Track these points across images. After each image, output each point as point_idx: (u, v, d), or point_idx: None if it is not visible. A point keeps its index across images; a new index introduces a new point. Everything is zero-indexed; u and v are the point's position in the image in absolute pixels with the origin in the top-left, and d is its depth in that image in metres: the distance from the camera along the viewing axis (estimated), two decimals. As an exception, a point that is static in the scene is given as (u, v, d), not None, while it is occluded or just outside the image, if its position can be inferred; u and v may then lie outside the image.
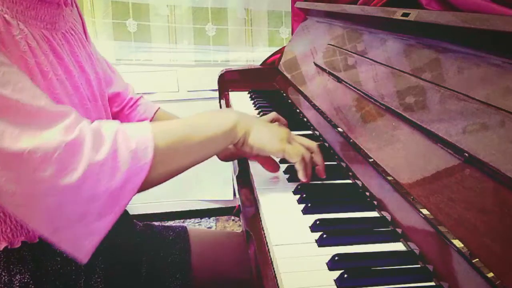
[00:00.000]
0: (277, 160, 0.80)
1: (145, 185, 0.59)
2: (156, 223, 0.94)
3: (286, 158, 0.71)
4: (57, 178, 0.52)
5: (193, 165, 0.66)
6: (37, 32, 0.63)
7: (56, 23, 0.68)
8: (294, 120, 1.10)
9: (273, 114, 0.96)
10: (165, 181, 0.63)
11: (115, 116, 0.92)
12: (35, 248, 0.64)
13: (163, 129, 0.63)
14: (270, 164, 0.77)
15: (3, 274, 0.63)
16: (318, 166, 0.74)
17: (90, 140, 0.55)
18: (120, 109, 0.94)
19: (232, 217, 2.19)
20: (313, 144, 0.75)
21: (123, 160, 0.56)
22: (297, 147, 0.71)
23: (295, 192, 0.72)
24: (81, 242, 0.55)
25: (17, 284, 0.63)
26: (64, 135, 0.54)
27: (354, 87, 0.90)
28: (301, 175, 0.71)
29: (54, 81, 0.63)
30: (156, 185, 0.62)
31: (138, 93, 1.00)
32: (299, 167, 0.71)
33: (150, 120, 0.96)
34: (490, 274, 0.42)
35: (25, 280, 0.63)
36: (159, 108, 0.99)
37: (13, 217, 0.61)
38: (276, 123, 0.84)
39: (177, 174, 0.64)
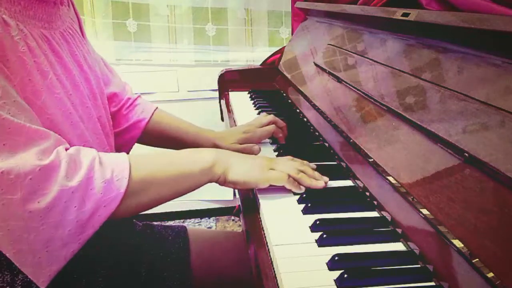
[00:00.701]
0: None
1: (115, 216, 0.59)
2: (156, 223, 0.94)
3: (274, 184, 0.71)
4: (26, 202, 0.52)
5: (168, 200, 0.66)
6: (36, 31, 0.63)
7: (54, 22, 0.68)
8: (294, 121, 1.10)
9: (269, 117, 0.96)
10: (136, 213, 0.63)
11: (113, 116, 0.92)
12: None
13: (140, 162, 0.63)
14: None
15: (6, 273, 0.63)
16: (314, 177, 0.73)
17: (65, 166, 0.55)
18: (117, 109, 0.93)
19: (232, 217, 2.19)
20: (298, 160, 0.75)
21: (96, 188, 0.56)
22: (281, 169, 0.71)
23: (295, 192, 0.72)
24: (42, 268, 0.55)
25: (19, 283, 0.63)
26: (39, 159, 0.53)
27: (354, 87, 0.90)
28: (295, 191, 0.71)
29: (54, 81, 0.63)
30: (127, 216, 0.62)
31: (136, 93, 1.00)
32: (290, 187, 0.70)
33: (148, 120, 0.95)
34: (490, 274, 0.42)
35: (28, 280, 0.63)
36: (157, 108, 0.99)
37: None
38: (254, 155, 0.84)
39: (149, 208, 0.64)
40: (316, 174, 0.74)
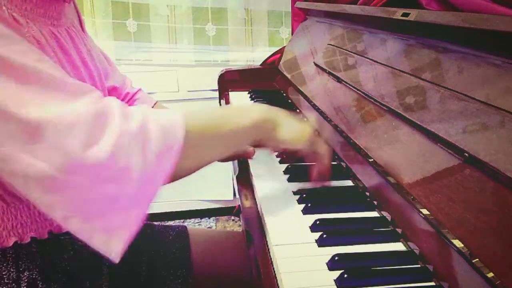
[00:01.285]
0: (277, 160, 0.80)
1: (176, 172, 0.54)
2: (156, 223, 0.94)
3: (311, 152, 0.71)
4: (86, 147, 0.47)
5: (222, 157, 0.64)
6: (46, 29, 0.63)
7: (61, 19, 0.68)
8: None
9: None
10: (194, 171, 0.60)
11: None
12: (43, 244, 0.64)
13: (194, 114, 0.60)
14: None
15: (12, 270, 0.63)
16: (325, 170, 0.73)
17: (119, 110, 0.51)
18: None
19: (232, 217, 2.19)
20: (330, 150, 0.74)
21: (154, 134, 0.52)
22: (324, 144, 0.72)
23: (295, 192, 0.72)
24: (113, 235, 0.49)
25: (25, 280, 0.63)
26: (93, 103, 0.50)
27: (354, 87, 0.90)
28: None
29: None
30: (185, 175, 0.59)
31: (135, 87, 0.99)
32: (323, 164, 0.71)
33: None
34: (490, 274, 0.42)
35: (33, 277, 0.63)
36: (156, 102, 0.98)
37: (24, 212, 0.61)
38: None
39: (205, 164, 0.61)
40: (328, 171, 0.74)
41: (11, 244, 0.61)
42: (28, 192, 0.49)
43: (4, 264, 0.62)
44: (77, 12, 0.82)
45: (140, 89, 0.98)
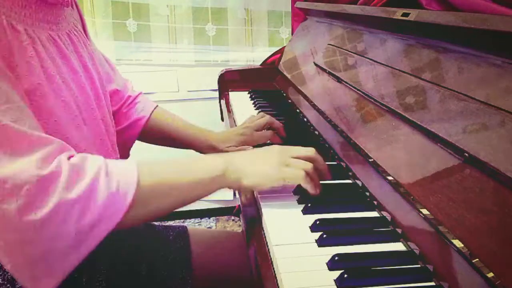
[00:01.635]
0: None
1: (121, 226, 0.56)
2: (156, 223, 0.94)
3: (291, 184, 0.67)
4: (22, 213, 0.49)
5: (177, 209, 0.63)
6: (44, 34, 0.63)
7: (60, 23, 0.69)
8: (294, 121, 1.10)
9: (266, 119, 0.96)
10: (145, 222, 0.61)
11: (113, 115, 0.92)
12: None
13: (149, 171, 0.59)
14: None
15: (6, 271, 0.63)
16: (322, 171, 0.70)
17: (66, 176, 0.52)
18: (118, 107, 0.94)
19: (232, 217, 2.19)
20: (311, 152, 0.70)
21: (99, 201, 0.53)
22: (296, 167, 0.66)
23: (295, 192, 0.72)
24: (40, 281, 0.52)
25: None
26: (38, 167, 0.51)
27: (354, 87, 0.90)
28: (311, 191, 0.66)
29: (60, 84, 0.63)
30: (134, 225, 0.60)
31: (137, 91, 1.00)
32: (306, 186, 0.66)
33: (148, 118, 0.95)
34: (490, 274, 0.42)
35: None
36: (157, 106, 0.99)
37: None
38: (271, 146, 0.75)
39: (158, 217, 0.61)
40: (326, 170, 0.70)
41: None
42: None
43: None
44: (81, 16, 0.82)
45: (141, 93, 0.99)
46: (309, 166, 0.67)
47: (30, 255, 0.50)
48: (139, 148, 1.00)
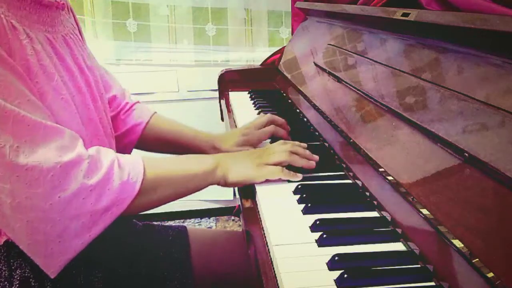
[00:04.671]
0: None
1: (126, 213, 0.63)
2: (156, 223, 0.94)
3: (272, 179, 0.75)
4: (47, 196, 0.55)
5: (174, 200, 0.71)
6: (41, 35, 0.64)
7: (56, 26, 0.69)
8: (294, 120, 1.10)
9: (267, 116, 0.96)
10: (145, 210, 0.68)
11: (112, 121, 0.92)
12: None
13: (152, 164, 0.68)
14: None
15: (4, 268, 0.63)
16: (306, 156, 0.79)
17: (86, 165, 0.59)
18: (116, 113, 0.94)
19: (232, 217, 2.19)
20: (289, 142, 0.80)
21: (113, 188, 0.61)
22: (274, 160, 0.76)
23: (295, 192, 0.72)
24: (53, 258, 0.58)
25: (18, 278, 0.63)
26: (59, 155, 0.57)
27: (354, 87, 0.90)
28: (293, 179, 0.75)
29: (59, 83, 0.64)
30: (135, 213, 0.67)
31: (134, 93, 1.00)
32: (286, 177, 0.75)
33: (146, 124, 0.96)
34: (490, 274, 0.42)
35: (26, 275, 0.63)
36: (155, 112, 0.99)
37: None
38: (247, 149, 0.90)
39: (156, 206, 0.69)
40: (307, 153, 0.79)
41: (2, 242, 0.61)
42: None
43: None
44: (77, 23, 0.83)
45: (138, 102, 0.99)
46: (285, 155, 0.76)
47: (49, 233, 0.57)
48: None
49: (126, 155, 0.67)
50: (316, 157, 0.79)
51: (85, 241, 0.60)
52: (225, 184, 0.75)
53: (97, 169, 0.60)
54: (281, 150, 0.78)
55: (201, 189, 0.73)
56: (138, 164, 0.65)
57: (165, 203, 0.70)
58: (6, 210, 0.56)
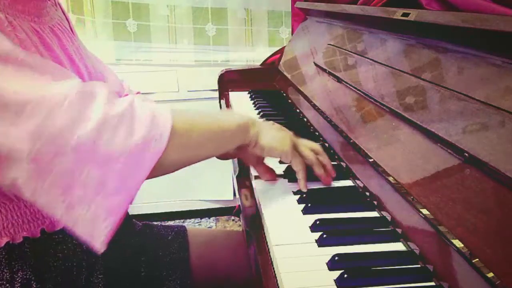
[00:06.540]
0: (277, 160, 0.80)
1: (160, 167, 0.54)
2: (155, 223, 0.94)
3: (291, 163, 0.72)
4: (70, 128, 0.47)
5: (207, 157, 0.64)
6: (26, 24, 0.62)
7: (42, 17, 0.68)
8: (294, 120, 1.10)
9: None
10: (179, 167, 0.60)
11: None
12: (36, 243, 0.64)
13: (181, 112, 0.61)
14: (268, 172, 0.77)
15: (5, 271, 0.63)
16: (326, 167, 0.75)
17: (105, 94, 0.52)
18: None
19: (232, 217, 2.19)
20: (318, 146, 0.77)
21: (142, 120, 0.52)
22: (305, 154, 0.73)
23: (295, 192, 0.72)
24: (98, 223, 0.49)
25: (19, 280, 0.63)
26: (74, 87, 0.50)
27: (354, 87, 0.90)
28: (301, 185, 0.72)
29: None
30: (169, 171, 0.59)
31: (134, 90, 0.99)
32: (301, 177, 0.72)
33: None
34: (490, 274, 0.42)
35: (27, 277, 0.63)
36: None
37: (14, 212, 0.61)
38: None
39: (191, 163, 0.62)
40: (330, 167, 0.76)
41: (3, 244, 0.61)
42: (13, 176, 0.48)
43: None
44: (66, 16, 0.82)
45: (139, 92, 0.98)
46: (314, 157, 0.73)
47: (85, 184, 0.48)
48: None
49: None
50: (334, 174, 0.75)
51: (131, 193, 0.51)
52: (254, 145, 0.70)
53: (117, 100, 0.52)
54: (312, 155, 0.73)
55: (234, 144, 0.68)
56: (163, 108, 0.57)
57: (199, 159, 0.62)
58: (31, 169, 0.47)
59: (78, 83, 0.53)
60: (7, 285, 0.62)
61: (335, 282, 0.50)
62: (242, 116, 0.70)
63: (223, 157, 0.81)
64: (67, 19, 0.82)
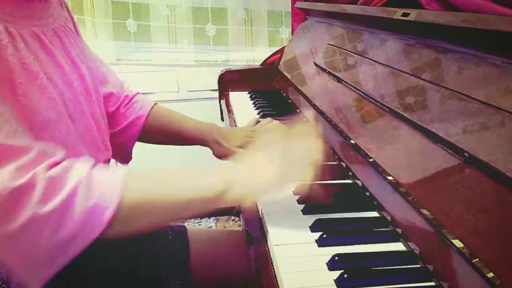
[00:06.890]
0: None
1: (101, 239, 0.53)
2: (155, 223, 0.93)
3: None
4: None
5: (164, 226, 0.61)
6: (27, 30, 0.62)
7: (44, 19, 0.67)
8: (293, 121, 1.10)
9: (273, 124, 0.94)
10: (127, 237, 0.57)
11: (112, 115, 0.91)
12: None
13: (136, 185, 0.56)
14: None
15: (1, 271, 0.63)
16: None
17: (41, 189, 0.50)
18: (116, 108, 0.93)
19: (232, 217, 2.19)
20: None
21: (75, 216, 0.51)
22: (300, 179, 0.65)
23: (295, 192, 0.72)
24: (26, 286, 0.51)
25: (16, 281, 0.63)
26: (14, 178, 0.49)
27: (354, 87, 0.90)
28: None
29: (44, 81, 0.62)
30: (118, 238, 0.56)
31: (134, 91, 0.99)
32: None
33: (147, 116, 0.94)
34: (490, 274, 0.42)
35: None
36: (155, 104, 0.98)
37: None
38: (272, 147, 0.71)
39: (142, 233, 0.58)
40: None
41: None
42: None
43: None
44: (72, 18, 0.82)
45: (138, 92, 0.98)
46: (310, 174, 0.64)
47: (7, 264, 0.51)
48: (141, 152, 1.00)
49: (106, 171, 0.56)
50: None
51: (52, 271, 0.52)
52: (244, 208, 0.64)
53: (55, 193, 0.50)
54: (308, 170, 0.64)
55: (205, 214, 0.59)
56: (115, 186, 0.53)
57: (152, 230, 0.59)
58: None
59: (16, 170, 0.50)
60: (3, 285, 0.62)
61: (335, 282, 0.50)
62: (216, 182, 0.59)
63: (223, 157, 0.81)
64: (72, 20, 0.81)
